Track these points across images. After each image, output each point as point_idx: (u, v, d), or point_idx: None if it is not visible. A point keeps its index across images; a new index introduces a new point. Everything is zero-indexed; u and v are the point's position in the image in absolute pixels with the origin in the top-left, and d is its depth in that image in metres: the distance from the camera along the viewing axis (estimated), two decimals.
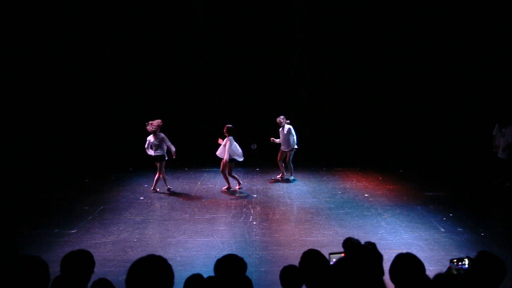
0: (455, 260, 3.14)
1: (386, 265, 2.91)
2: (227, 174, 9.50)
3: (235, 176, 9.62)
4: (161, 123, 9.03)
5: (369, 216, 8.03)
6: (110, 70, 12.74)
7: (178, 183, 10.20)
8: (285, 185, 10.26)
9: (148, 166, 10.15)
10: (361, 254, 3.03)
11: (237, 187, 9.70)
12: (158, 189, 9.46)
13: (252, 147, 12.24)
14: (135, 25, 12.65)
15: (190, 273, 3.25)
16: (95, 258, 3.03)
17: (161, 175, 9.22)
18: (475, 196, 9.19)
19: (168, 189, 9.44)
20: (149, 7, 12.66)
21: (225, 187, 9.70)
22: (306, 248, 3.28)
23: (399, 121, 12.30)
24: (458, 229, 7.32)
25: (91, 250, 3.14)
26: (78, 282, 2.88)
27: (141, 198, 9.18)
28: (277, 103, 13.34)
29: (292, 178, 10.42)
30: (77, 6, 12.15)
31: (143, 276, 2.10)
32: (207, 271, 3.33)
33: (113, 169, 9.69)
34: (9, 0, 11.45)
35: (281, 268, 3.29)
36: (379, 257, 3.05)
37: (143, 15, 12.65)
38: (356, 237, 3.80)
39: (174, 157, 9.19)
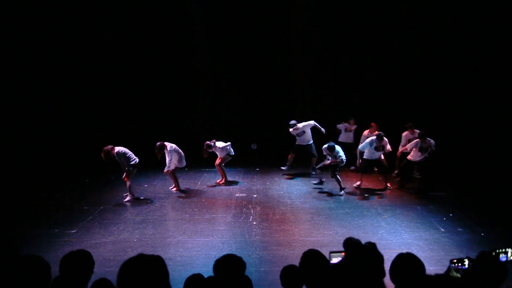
0: (455, 261, 3.14)
1: (386, 265, 2.92)
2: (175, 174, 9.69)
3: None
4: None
5: (369, 216, 8.03)
6: (111, 70, 12.73)
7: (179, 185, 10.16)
8: (285, 185, 10.26)
9: (147, 166, 10.16)
10: (362, 254, 3.03)
11: (174, 188, 9.79)
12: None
13: (252, 147, 12.26)
14: (135, 26, 12.65)
15: (190, 273, 3.26)
16: (95, 258, 3.03)
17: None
18: (475, 196, 9.19)
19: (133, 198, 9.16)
20: (149, 7, 12.66)
21: (172, 187, 9.83)
22: (306, 248, 3.28)
23: (399, 121, 12.27)
24: (458, 229, 7.32)
25: (91, 250, 3.13)
26: (78, 282, 2.87)
27: (141, 198, 9.18)
28: (277, 103, 13.37)
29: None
30: (75, 6, 12.14)
31: (133, 277, 2.09)
32: (207, 271, 3.32)
33: (113, 169, 9.68)
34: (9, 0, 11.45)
35: (281, 268, 3.28)
36: (380, 257, 3.05)
37: (143, 16, 12.65)
38: (356, 237, 3.80)
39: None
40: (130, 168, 8.83)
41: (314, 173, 10.65)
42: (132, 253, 6.30)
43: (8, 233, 7.04)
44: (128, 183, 8.90)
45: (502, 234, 7.03)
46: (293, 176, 10.90)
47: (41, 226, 7.47)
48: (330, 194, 9.46)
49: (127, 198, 8.94)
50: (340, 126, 11.77)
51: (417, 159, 9.79)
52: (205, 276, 3.25)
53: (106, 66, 12.67)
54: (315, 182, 10.21)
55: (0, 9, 11.20)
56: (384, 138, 9.63)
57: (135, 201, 8.98)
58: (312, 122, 10.67)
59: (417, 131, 10.27)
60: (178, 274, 5.15)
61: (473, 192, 9.47)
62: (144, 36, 12.77)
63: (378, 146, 9.51)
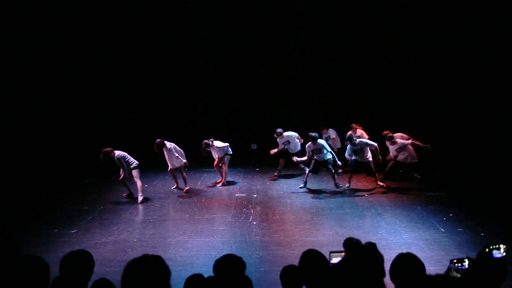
0: (455, 261, 3.14)
1: (386, 265, 2.91)
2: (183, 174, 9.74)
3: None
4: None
5: (369, 216, 8.03)
6: (110, 70, 12.73)
7: (179, 183, 10.16)
8: (285, 185, 10.27)
9: (148, 166, 10.17)
10: (362, 254, 3.03)
11: (173, 187, 9.90)
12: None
13: (252, 147, 12.25)
14: (135, 26, 12.65)
15: (190, 273, 3.26)
16: (95, 258, 3.03)
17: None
18: (475, 196, 9.19)
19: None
20: (148, 7, 12.66)
21: (174, 187, 9.93)
22: (306, 248, 3.28)
23: (399, 121, 12.29)
24: (458, 229, 7.32)
25: (91, 250, 3.13)
26: (78, 282, 2.88)
27: (141, 198, 9.18)
28: (277, 103, 13.37)
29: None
30: (75, 5, 12.13)
31: (138, 277, 2.10)
32: (207, 271, 3.32)
33: (113, 169, 9.69)
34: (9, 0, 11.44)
35: (281, 268, 3.29)
36: (380, 258, 3.05)
37: (143, 16, 12.65)
38: (356, 237, 3.81)
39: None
40: (133, 171, 8.91)
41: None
42: (132, 253, 6.33)
43: (8, 233, 7.04)
44: (139, 183, 8.96)
45: (502, 234, 7.02)
46: (277, 177, 10.82)
47: (41, 226, 7.47)
48: (330, 194, 9.46)
49: (140, 199, 8.92)
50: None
51: (404, 160, 9.73)
52: (205, 276, 3.25)
53: (105, 66, 12.66)
54: (301, 186, 10.02)
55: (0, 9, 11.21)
56: (359, 139, 9.58)
57: (135, 201, 8.98)
58: (295, 134, 10.60)
59: (400, 134, 10.20)
60: (178, 274, 5.12)
61: (473, 192, 9.46)
62: (144, 37, 12.76)
63: (354, 150, 9.50)
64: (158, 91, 13.20)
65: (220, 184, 10.19)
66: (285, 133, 10.56)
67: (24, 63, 11.76)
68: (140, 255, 2.20)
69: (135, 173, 8.94)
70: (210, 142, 9.81)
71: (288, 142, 10.58)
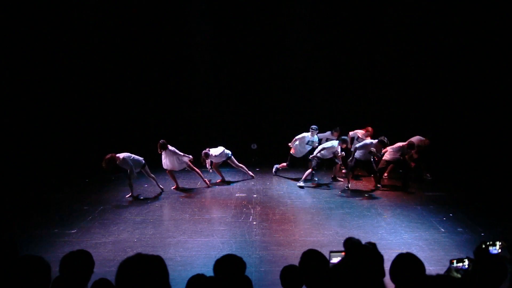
0: (454, 261, 3.15)
1: (386, 265, 2.92)
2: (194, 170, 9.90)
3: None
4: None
5: (369, 216, 8.03)
6: (110, 70, 12.72)
7: (179, 183, 10.17)
8: (285, 185, 10.27)
9: (148, 166, 10.16)
10: (362, 254, 3.03)
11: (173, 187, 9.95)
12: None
13: (252, 147, 12.25)
14: (135, 27, 12.65)
15: (190, 273, 3.25)
16: (95, 258, 3.03)
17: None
18: (475, 196, 9.19)
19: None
20: (148, 8, 12.66)
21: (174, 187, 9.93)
22: (306, 248, 3.28)
23: (399, 121, 12.29)
24: (458, 229, 7.33)
25: (91, 250, 3.13)
26: (78, 282, 2.88)
27: (141, 198, 9.19)
28: (277, 103, 13.37)
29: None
30: (75, 5, 12.13)
31: (131, 277, 2.09)
32: (207, 271, 3.32)
33: (112, 169, 9.70)
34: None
35: (281, 268, 3.29)
36: (380, 257, 3.05)
37: (142, 17, 12.65)
38: (356, 237, 3.80)
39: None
40: (144, 169, 9.27)
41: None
42: (132, 253, 6.28)
43: (8, 233, 7.04)
44: (153, 176, 9.44)
45: (502, 234, 7.02)
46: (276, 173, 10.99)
47: (41, 226, 7.46)
48: (330, 194, 9.46)
49: (162, 187, 9.59)
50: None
51: (393, 158, 9.84)
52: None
53: (106, 67, 12.66)
54: (300, 184, 10.04)
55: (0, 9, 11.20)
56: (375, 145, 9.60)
57: (135, 201, 8.99)
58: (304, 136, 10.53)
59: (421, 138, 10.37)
60: (178, 274, 5.16)
61: (473, 192, 9.47)
62: (144, 37, 12.77)
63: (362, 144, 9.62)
64: (157, 91, 13.19)
65: (251, 175, 10.52)
66: (317, 137, 10.53)
67: (25, 63, 11.76)
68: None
69: (148, 170, 9.33)
70: (208, 152, 9.93)
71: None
